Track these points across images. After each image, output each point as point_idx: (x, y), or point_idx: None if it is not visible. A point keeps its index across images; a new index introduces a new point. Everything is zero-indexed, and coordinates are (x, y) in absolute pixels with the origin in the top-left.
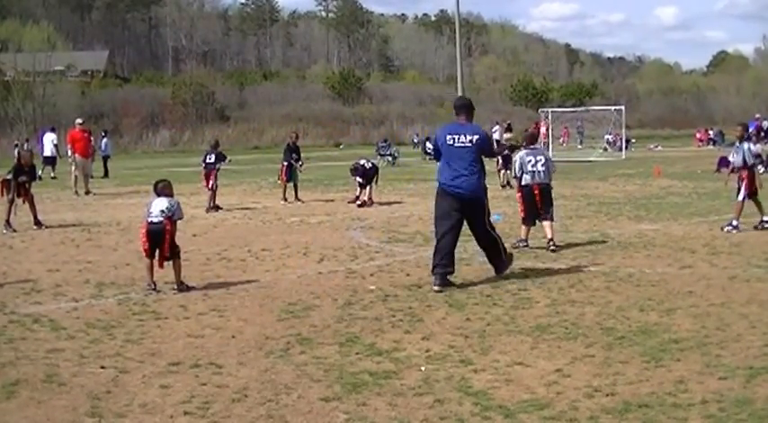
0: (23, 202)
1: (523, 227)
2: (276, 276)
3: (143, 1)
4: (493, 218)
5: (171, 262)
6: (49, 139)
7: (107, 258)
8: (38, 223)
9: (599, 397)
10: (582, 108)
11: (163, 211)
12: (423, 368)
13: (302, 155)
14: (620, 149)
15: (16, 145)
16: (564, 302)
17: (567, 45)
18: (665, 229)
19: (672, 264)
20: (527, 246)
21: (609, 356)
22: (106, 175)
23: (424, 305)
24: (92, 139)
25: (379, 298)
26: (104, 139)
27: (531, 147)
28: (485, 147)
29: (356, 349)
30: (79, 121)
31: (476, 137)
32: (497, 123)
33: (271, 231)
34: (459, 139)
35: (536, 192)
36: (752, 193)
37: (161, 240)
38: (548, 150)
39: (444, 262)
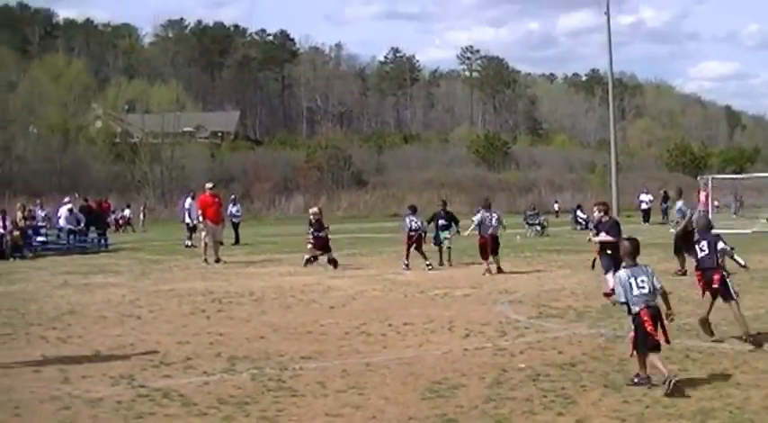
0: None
1: (485, 263)
2: (419, 352)
3: (276, 60)
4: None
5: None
6: (189, 205)
7: (239, 330)
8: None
9: None
10: (744, 175)
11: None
12: None
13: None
14: None
15: (144, 207)
16: (728, 385)
17: (728, 107)
18: None
19: None
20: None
21: None
22: (237, 241)
23: (578, 386)
24: (221, 204)
25: (530, 377)
26: (235, 206)
27: (487, 209)
28: None
29: None
30: (209, 185)
31: None
32: (646, 189)
33: (412, 304)
34: None
35: (490, 239)
36: None
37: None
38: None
39: None
